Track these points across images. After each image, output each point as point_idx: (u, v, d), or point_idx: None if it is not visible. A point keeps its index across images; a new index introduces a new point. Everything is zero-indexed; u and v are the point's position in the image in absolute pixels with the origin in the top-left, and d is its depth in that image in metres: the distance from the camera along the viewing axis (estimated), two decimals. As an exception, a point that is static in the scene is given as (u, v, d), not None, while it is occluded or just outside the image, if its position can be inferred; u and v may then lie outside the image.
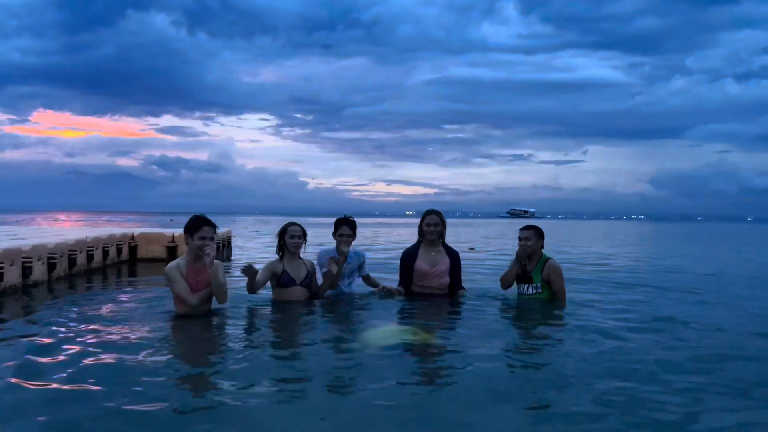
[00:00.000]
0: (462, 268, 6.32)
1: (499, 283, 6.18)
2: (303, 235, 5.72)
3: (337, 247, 5.95)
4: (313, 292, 5.84)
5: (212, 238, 4.98)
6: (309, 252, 6.06)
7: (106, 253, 10.83)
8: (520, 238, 5.95)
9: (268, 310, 5.52)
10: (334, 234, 6.05)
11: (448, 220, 6.32)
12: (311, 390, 3.23)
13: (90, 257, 10.03)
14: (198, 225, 4.95)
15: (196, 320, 4.98)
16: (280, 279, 5.67)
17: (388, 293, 6.15)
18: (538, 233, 5.95)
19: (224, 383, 3.30)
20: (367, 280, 6.42)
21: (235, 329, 4.76)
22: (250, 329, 4.82)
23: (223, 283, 5.08)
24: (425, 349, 4.05)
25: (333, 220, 6.23)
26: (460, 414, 2.88)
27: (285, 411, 2.90)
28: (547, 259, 5.97)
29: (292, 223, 5.80)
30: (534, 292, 5.93)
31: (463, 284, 6.37)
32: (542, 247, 6.01)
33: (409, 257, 6.11)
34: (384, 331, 4.32)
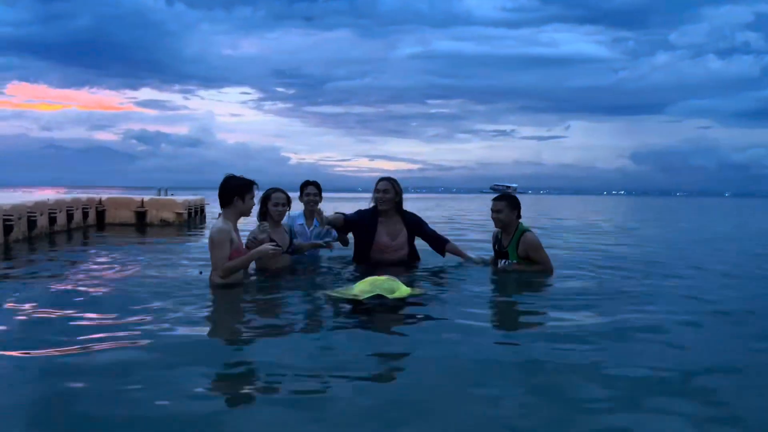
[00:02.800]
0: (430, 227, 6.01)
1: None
2: (287, 203, 5.41)
3: (305, 210, 5.93)
4: (302, 251, 5.66)
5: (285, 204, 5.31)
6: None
7: (70, 216, 10.39)
8: (492, 210, 5.38)
9: (250, 282, 5.06)
10: (301, 197, 5.97)
11: (431, 196, 5.97)
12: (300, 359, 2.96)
13: (52, 220, 9.59)
14: (251, 184, 4.73)
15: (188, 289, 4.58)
16: None
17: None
18: (512, 203, 5.36)
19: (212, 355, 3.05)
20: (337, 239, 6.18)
21: (223, 299, 4.43)
22: (237, 299, 4.47)
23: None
24: (406, 302, 4.05)
25: None
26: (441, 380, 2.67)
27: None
28: (523, 231, 5.37)
29: (275, 190, 5.44)
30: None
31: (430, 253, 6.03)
32: (518, 217, 5.42)
33: (368, 226, 5.67)
34: (365, 283, 4.13)
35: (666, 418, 2.25)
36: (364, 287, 4.03)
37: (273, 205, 5.31)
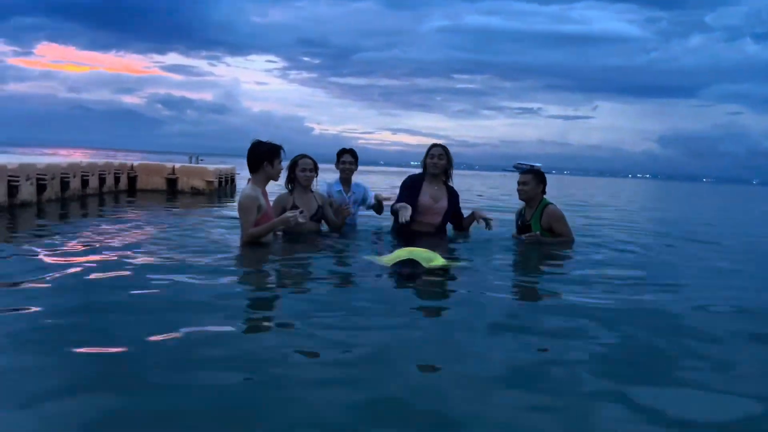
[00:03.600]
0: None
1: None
2: (315, 169, 5.46)
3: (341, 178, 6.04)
4: (329, 223, 5.64)
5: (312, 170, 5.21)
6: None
7: (102, 180, 10.35)
8: (518, 182, 5.64)
9: (279, 244, 5.12)
10: (337, 164, 6.15)
11: (453, 171, 5.95)
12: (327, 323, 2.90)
13: (85, 182, 9.54)
14: (278, 149, 4.75)
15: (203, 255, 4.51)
16: None
17: (378, 203, 6.18)
18: (538, 177, 5.63)
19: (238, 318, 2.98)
20: (372, 207, 6.43)
21: (248, 266, 4.37)
22: (264, 264, 4.41)
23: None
24: (443, 274, 3.99)
25: None
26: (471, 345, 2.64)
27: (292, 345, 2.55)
28: (547, 204, 5.58)
29: (303, 156, 5.47)
30: None
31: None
32: (543, 192, 5.64)
33: (414, 185, 5.77)
34: (403, 251, 4.12)
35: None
36: (400, 254, 4.00)
37: (300, 170, 5.36)
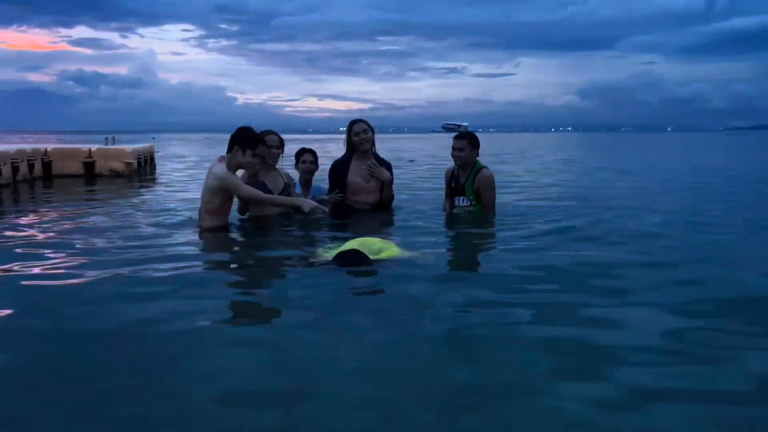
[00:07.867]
0: (395, 181, 6.04)
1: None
2: (281, 146, 5.37)
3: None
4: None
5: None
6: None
7: (16, 168, 10.15)
8: (453, 148, 5.56)
9: (246, 228, 5.17)
10: (297, 165, 5.94)
11: (383, 136, 5.91)
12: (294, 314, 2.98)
13: (-3, 173, 9.38)
14: (256, 141, 4.79)
15: (177, 237, 4.65)
16: None
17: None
18: (473, 143, 5.58)
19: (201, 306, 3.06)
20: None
21: (213, 249, 4.52)
22: (226, 251, 4.54)
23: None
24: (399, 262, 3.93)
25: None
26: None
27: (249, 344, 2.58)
28: (480, 168, 5.59)
29: (269, 132, 5.36)
30: (467, 204, 5.65)
31: (401, 199, 6.29)
32: (477, 155, 5.66)
33: (340, 169, 5.74)
34: (355, 242, 4.04)
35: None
36: (352, 245, 3.96)
37: (267, 147, 5.23)
